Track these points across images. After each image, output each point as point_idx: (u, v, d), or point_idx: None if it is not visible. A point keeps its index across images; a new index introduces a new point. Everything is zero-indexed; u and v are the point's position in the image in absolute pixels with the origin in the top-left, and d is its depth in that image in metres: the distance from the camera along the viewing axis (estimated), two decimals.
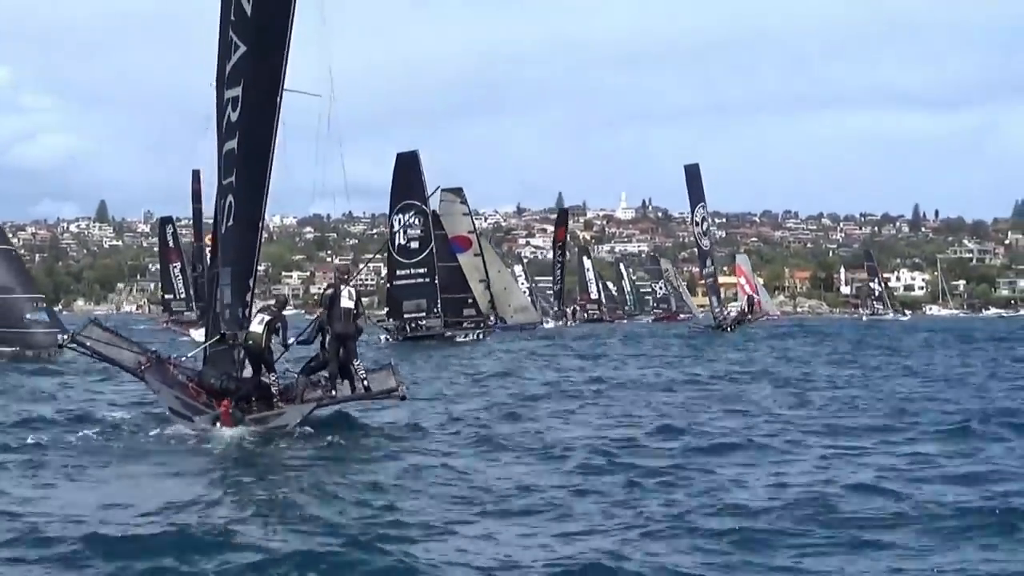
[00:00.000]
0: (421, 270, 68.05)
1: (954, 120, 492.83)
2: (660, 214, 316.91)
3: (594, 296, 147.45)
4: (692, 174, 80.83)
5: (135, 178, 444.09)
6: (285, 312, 23.51)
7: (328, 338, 23.27)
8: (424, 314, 67.72)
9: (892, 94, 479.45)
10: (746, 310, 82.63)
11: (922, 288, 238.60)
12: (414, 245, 68.39)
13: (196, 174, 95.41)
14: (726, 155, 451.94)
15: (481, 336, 68.58)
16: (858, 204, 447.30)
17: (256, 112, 22.36)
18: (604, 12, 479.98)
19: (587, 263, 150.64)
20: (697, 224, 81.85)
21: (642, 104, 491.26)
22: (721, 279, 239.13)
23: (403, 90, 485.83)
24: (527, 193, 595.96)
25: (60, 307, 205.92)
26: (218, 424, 21.77)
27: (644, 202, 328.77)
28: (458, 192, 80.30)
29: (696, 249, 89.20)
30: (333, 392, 23.23)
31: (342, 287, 23.65)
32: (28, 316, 48.81)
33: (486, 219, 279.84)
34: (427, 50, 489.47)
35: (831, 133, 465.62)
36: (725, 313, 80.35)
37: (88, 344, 24.11)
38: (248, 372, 23.02)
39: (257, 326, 22.46)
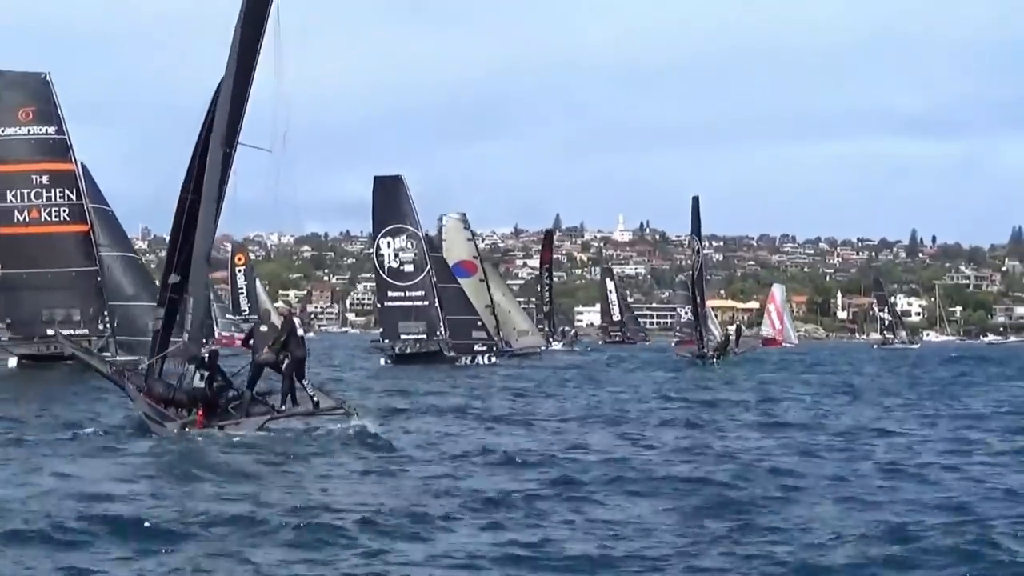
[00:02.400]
0: (418, 293, 67.85)
1: (952, 146, 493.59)
2: (658, 236, 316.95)
3: (616, 318, 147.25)
4: (695, 205, 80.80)
5: (131, 192, 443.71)
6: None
7: (286, 362, 25.58)
8: (425, 336, 67.63)
9: (890, 120, 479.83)
10: (731, 339, 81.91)
11: (919, 314, 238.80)
12: (408, 268, 68.12)
13: None
14: (724, 178, 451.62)
15: (492, 360, 68.26)
16: (856, 229, 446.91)
17: (210, 164, 25.13)
18: (602, 34, 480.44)
19: (610, 285, 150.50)
20: (696, 253, 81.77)
21: (640, 126, 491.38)
22: (742, 304, 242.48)
23: (399, 110, 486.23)
24: (524, 214, 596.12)
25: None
26: (188, 429, 24.27)
27: (642, 224, 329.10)
28: (462, 217, 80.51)
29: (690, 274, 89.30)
30: (283, 407, 25.53)
31: (294, 319, 27.41)
32: (151, 325, 49.36)
33: (483, 240, 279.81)
34: (423, 70, 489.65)
35: (829, 157, 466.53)
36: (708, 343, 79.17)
37: (86, 358, 27.66)
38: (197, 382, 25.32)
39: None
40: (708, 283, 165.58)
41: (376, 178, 70.28)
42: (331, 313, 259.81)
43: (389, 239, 68.77)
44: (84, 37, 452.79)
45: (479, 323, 70.33)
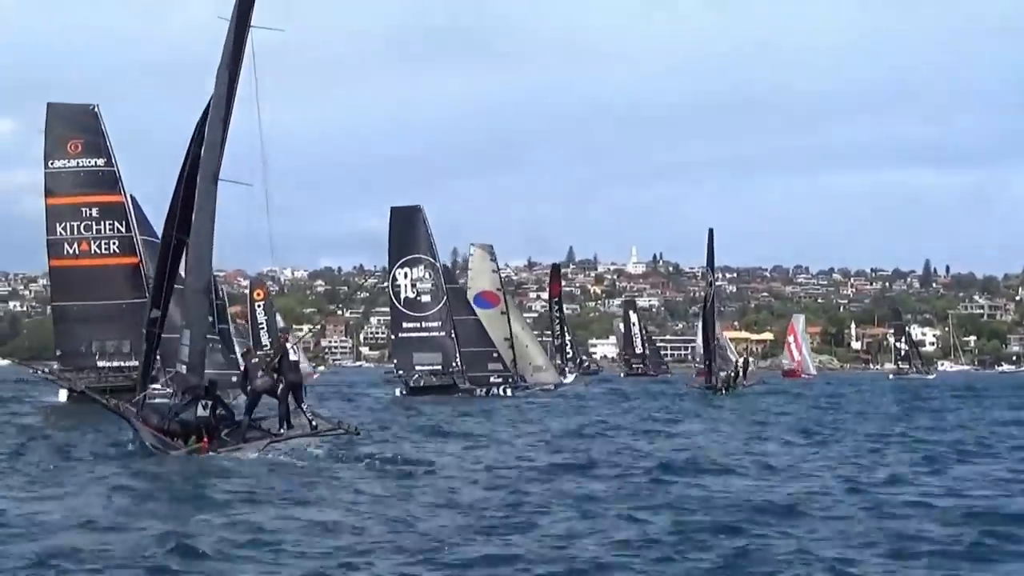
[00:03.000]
0: (434, 324, 67.89)
1: (965, 176, 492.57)
2: (671, 268, 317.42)
3: (639, 351, 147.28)
4: (710, 238, 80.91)
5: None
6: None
7: (281, 386, 26.91)
8: (440, 367, 67.63)
9: (903, 150, 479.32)
10: (740, 372, 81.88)
11: (933, 344, 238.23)
12: (425, 299, 68.20)
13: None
14: (737, 210, 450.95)
15: (508, 392, 68.22)
16: (869, 259, 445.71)
17: (202, 196, 26.28)
18: (613, 68, 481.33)
19: (633, 317, 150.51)
20: (710, 285, 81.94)
21: (653, 159, 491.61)
22: (756, 335, 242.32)
23: (412, 144, 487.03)
24: (537, 247, 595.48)
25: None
26: (194, 455, 25.04)
27: (655, 256, 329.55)
28: (489, 249, 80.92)
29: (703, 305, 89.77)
30: (281, 430, 26.66)
31: (286, 344, 28.42)
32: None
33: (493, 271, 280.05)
34: (435, 104, 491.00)
35: (842, 189, 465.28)
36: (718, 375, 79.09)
37: (93, 395, 28.98)
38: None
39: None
40: (722, 314, 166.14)
41: (393, 209, 70.41)
42: (345, 347, 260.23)
43: (406, 269, 68.84)
44: (91, 86, 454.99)
45: (495, 355, 70.23)
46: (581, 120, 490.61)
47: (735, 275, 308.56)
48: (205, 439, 25.57)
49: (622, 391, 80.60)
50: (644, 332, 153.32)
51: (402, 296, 69.03)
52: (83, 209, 52.20)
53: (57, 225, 52.33)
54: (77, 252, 52.04)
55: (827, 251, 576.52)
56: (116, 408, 28.07)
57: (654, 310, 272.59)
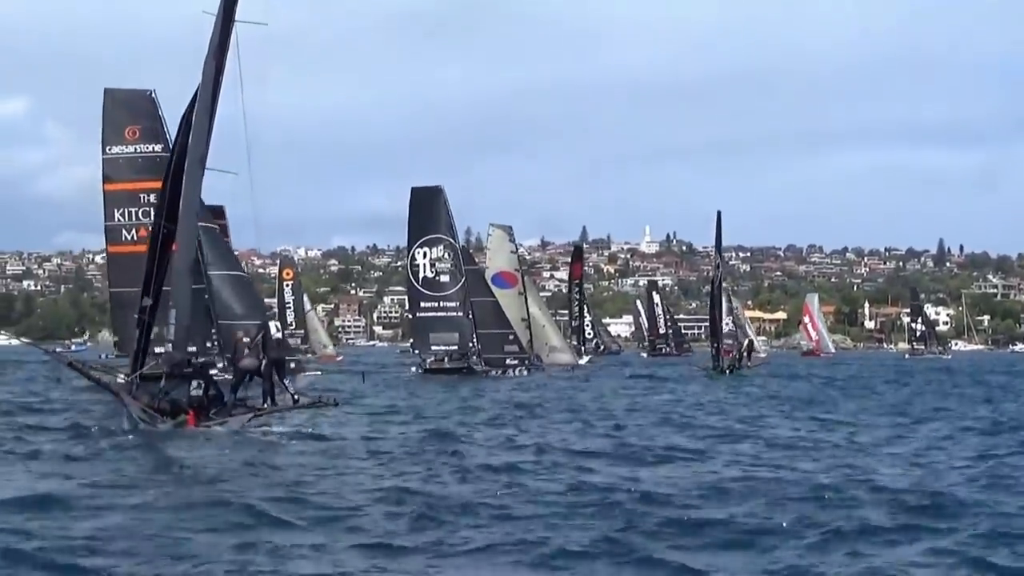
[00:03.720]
0: (452, 304, 67.96)
1: (979, 155, 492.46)
2: (684, 247, 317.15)
3: (662, 331, 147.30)
4: (719, 220, 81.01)
5: None
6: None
7: (264, 364, 28.27)
8: (456, 347, 67.70)
9: (917, 129, 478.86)
10: (744, 353, 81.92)
11: (946, 323, 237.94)
12: (444, 279, 68.23)
13: (220, 209, 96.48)
14: (751, 189, 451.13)
15: (524, 373, 68.38)
16: (883, 239, 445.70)
17: (189, 181, 27.32)
18: (626, 48, 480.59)
19: (656, 298, 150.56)
20: (717, 268, 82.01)
21: (667, 138, 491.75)
22: (770, 314, 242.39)
23: (424, 124, 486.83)
24: (550, 227, 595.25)
25: (86, 338, 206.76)
26: (179, 429, 26.29)
27: (668, 235, 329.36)
28: (507, 229, 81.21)
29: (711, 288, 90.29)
30: (265, 405, 28.03)
31: (271, 324, 31.25)
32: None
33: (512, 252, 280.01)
34: (447, 85, 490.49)
35: (856, 168, 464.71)
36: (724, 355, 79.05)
37: (84, 369, 30.04)
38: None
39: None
40: (736, 294, 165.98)
41: (414, 189, 70.46)
42: (358, 326, 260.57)
43: (425, 249, 68.90)
44: (106, 66, 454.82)
45: (511, 336, 70.41)
46: (595, 100, 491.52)
47: (748, 254, 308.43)
48: (191, 415, 26.68)
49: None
50: (668, 312, 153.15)
51: (420, 276, 69.10)
52: (141, 195, 51.48)
53: (115, 211, 52.04)
54: (135, 238, 51.10)
55: (841, 230, 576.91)
56: (108, 385, 29.15)
57: (668, 289, 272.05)
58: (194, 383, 27.18)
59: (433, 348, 67.92)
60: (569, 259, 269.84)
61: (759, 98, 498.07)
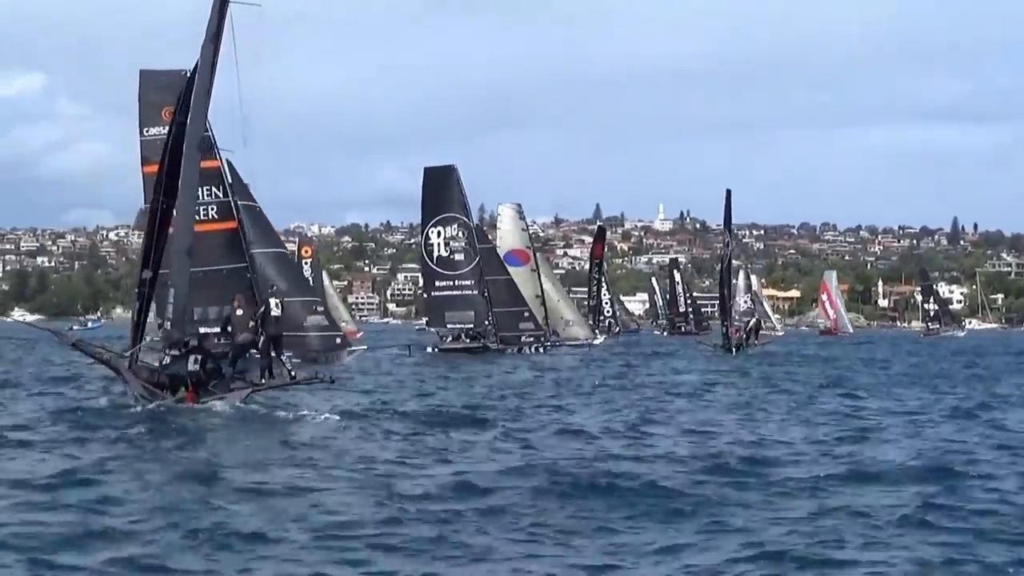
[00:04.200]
0: (467, 282, 68.06)
1: (994, 133, 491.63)
2: (698, 225, 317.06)
3: (682, 309, 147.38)
4: (727, 199, 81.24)
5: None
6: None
7: (262, 339, 29.14)
8: (472, 326, 67.76)
9: (932, 107, 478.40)
10: (752, 330, 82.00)
11: (960, 302, 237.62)
12: (458, 257, 68.30)
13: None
14: (765, 167, 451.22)
15: (540, 350, 68.61)
16: (897, 217, 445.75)
17: (187, 163, 28.44)
18: (641, 27, 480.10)
19: (677, 276, 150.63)
20: (726, 246, 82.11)
21: (681, 116, 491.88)
22: (783, 292, 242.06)
23: (439, 101, 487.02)
24: (564, 204, 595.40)
25: (100, 314, 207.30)
26: (179, 404, 26.69)
27: (682, 213, 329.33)
28: (517, 207, 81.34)
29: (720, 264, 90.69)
30: (263, 380, 28.66)
31: (271, 301, 31.76)
32: (307, 321, 50.62)
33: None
34: (463, 62, 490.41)
35: (870, 145, 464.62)
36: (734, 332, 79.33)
37: (86, 347, 29.82)
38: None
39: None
40: (750, 272, 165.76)
41: (427, 168, 70.52)
42: (372, 304, 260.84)
43: (440, 228, 68.97)
44: (119, 43, 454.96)
45: (526, 314, 70.57)
46: (610, 77, 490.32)
47: (762, 232, 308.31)
48: (190, 390, 27.08)
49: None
50: (688, 291, 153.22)
51: (435, 255, 69.15)
52: None
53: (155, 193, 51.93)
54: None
55: (855, 208, 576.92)
56: (108, 361, 29.16)
57: (681, 267, 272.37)
58: (191, 357, 27.67)
59: (448, 327, 68.06)
60: (583, 237, 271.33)
61: (774, 76, 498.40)
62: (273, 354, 29.74)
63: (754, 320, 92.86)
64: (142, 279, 29.37)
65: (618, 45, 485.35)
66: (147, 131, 51.61)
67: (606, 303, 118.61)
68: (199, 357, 27.69)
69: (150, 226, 29.30)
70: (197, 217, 50.58)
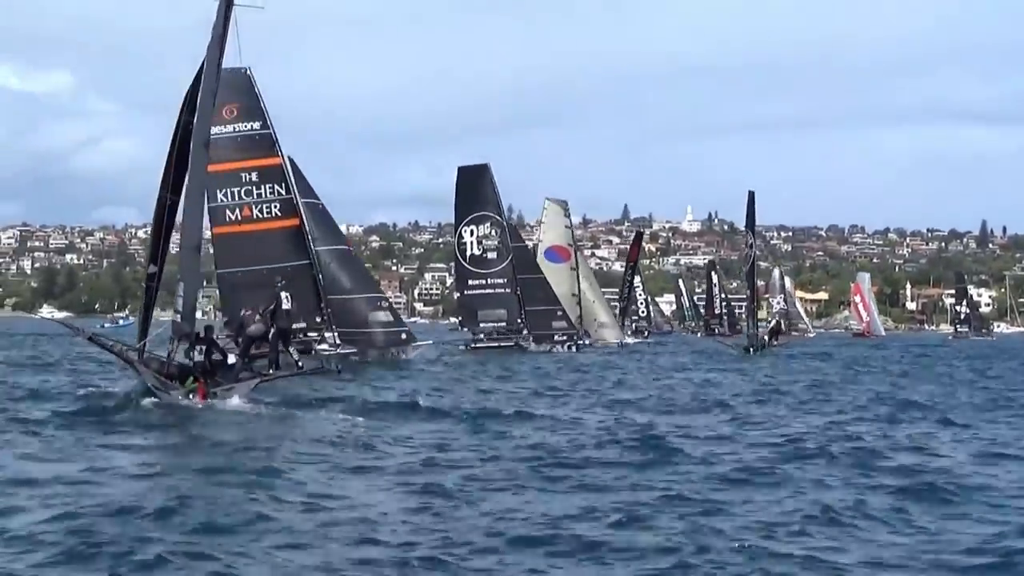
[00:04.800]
0: (499, 280, 68.19)
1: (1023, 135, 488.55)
2: (726, 227, 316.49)
3: (717, 311, 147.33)
4: (750, 200, 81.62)
5: None
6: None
7: (272, 331, 30.83)
8: (505, 324, 67.82)
9: (961, 110, 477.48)
10: (773, 332, 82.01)
11: (988, 305, 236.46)
12: (491, 256, 68.42)
13: None
14: (793, 169, 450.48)
15: (572, 349, 68.68)
16: (925, 220, 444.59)
17: (194, 162, 28.56)
18: (672, 27, 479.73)
19: (714, 278, 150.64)
20: (747, 247, 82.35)
21: (709, 118, 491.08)
22: (811, 294, 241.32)
23: (466, 101, 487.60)
24: (592, 205, 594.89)
25: (127, 311, 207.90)
26: (192, 396, 27.38)
27: (710, 215, 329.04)
28: (563, 204, 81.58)
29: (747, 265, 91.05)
30: (271, 371, 30.20)
31: (282, 295, 33.20)
32: (371, 317, 51.50)
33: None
34: (490, 64, 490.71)
35: (899, 148, 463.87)
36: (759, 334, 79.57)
37: (101, 341, 30.66)
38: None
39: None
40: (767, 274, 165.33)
41: (460, 168, 70.67)
42: (399, 303, 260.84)
43: (473, 227, 69.10)
44: (147, 41, 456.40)
45: (559, 312, 70.70)
46: (639, 78, 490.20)
47: (790, 234, 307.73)
48: (201, 381, 27.68)
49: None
50: (724, 293, 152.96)
51: (468, 253, 69.27)
52: (243, 174, 51.16)
53: (218, 192, 50.85)
54: (239, 218, 50.92)
55: (883, 211, 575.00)
56: (120, 353, 29.68)
57: (718, 269, 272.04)
58: (197, 348, 28.19)
59: (481, 325, 68.11)
60: (611, 238, 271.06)
61: (803, 78, 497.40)
62: (281, 347, 31.49)
63: (775, 322, 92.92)
64: (149, 274, 30.07)
65: (647, 44, 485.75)
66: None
67: (641, 304, 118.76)
68: (204, 348, 28.30)
69: (156, 222, 29.88)
70: (260, 215, 51.05)
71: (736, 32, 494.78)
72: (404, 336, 53.12)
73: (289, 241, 50.81)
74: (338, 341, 49.54)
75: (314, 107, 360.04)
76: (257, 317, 30.53)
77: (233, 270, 50.33)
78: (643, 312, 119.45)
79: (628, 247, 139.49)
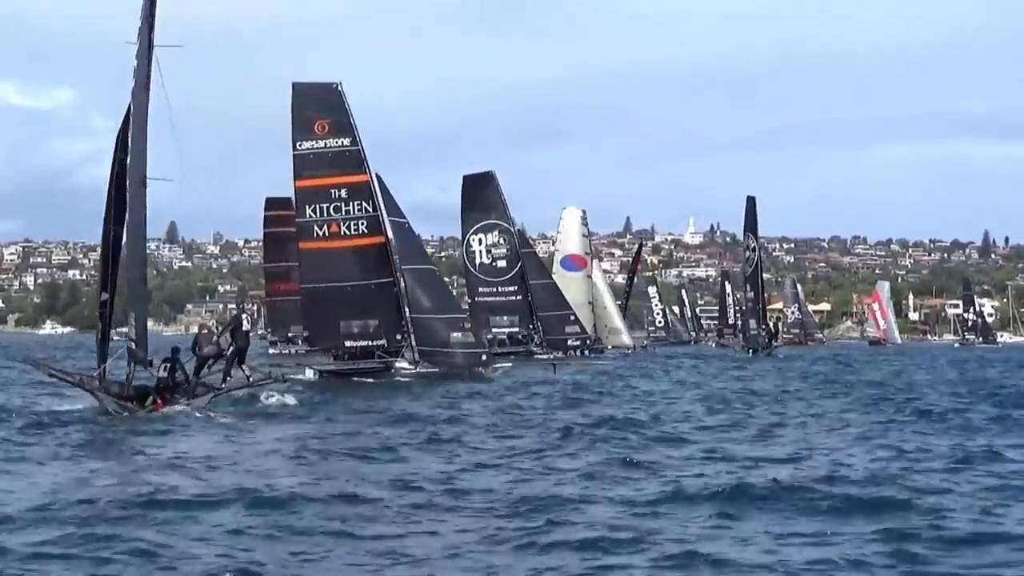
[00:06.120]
0: (511, 288, 68.39)
1: None
2: (728, 239, 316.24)
3: (731, 321, 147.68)
4: (749, 205, 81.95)
5: (204, 200, 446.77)
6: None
7: (231, 349, 33.20)
8: (517, 329, 67.96)
9: (963, 120, 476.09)
10: (772, 334, 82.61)
11: (991, 315, 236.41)
12: (501, 264, 68.58)
13: (289, 201, 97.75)
14: (795, 181, 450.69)
15: (587, 352, 68.83)
16: (927, 230, 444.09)
17: (133, 199, 30.73)
18: (671, 40, 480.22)
19: (728, 288, 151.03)
20: (749, 250, 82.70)
21: (711, 130, 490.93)
22: (814, 305, 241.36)
23: (468, 115, 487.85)
24: (594, 216, 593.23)
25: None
26: (150, 413, 29.07)
27: (712, 227, 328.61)
28: (583, 213, 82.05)
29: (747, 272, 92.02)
30: (222, 385, 32.10)
31: (242, 316, 36.24)
32: (452, 337, 51.38)
33: (554, 242, 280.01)
34: (492, 76, 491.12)
35: (901, 159, 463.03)
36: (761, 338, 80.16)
37: (60, 374, 32.65)
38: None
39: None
40: (779, 284, 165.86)
41: (465, 176, 70.75)
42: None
43: (480, 236, 69.19)
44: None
45: (572, 317, 70.76)
46: (640, 90, 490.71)
47: (792, 245, 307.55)
48: (158, 401, 29.70)
49: None
50: (737, 304, 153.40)
51: (477, 262, 69.45)
52: (332, 190, 51.12)
53: (307, 208, 51.35)
54: (327, 234, 50.99)
55: (885, 222, 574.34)
56: (80, 383, 31.06)
57: (711, 280, 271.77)
58: (162, 365, 30.36)
59: (494, 330, 68.13)
60: (613, 250, 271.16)
61: (804, 89, 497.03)
62: (236, 362, 33.74)
63: (771, 324, 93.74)
64: (102, 301, 31.74)
65: (649, 57, 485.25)
66: (300, 144, 51.16)
67: (658, 314, 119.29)
68: (167, 365, 30.40)
69: (104, 252, 31.93)
70: (347, 232, 51.21)
71: (737, 45, 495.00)
72: (484, 357, 53.29)
73: (374, 258, 50.83)
74: (418, 359, 49.87)
75: None
76: (215, 339, 32.67)
77: (317, 286, 50.56)
78: (659, 322, 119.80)
79: (630, 259, 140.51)
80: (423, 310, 51.32)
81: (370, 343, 49.80)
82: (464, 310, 58.01)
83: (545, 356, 66.25)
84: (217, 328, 35.15)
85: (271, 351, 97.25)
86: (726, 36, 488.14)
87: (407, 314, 50.21)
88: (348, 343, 49.71)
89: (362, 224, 50.70)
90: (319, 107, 51.27)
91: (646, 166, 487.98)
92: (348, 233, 50.76)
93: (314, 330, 51.25)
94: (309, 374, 49.38)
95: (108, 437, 24.91)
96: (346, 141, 51.49)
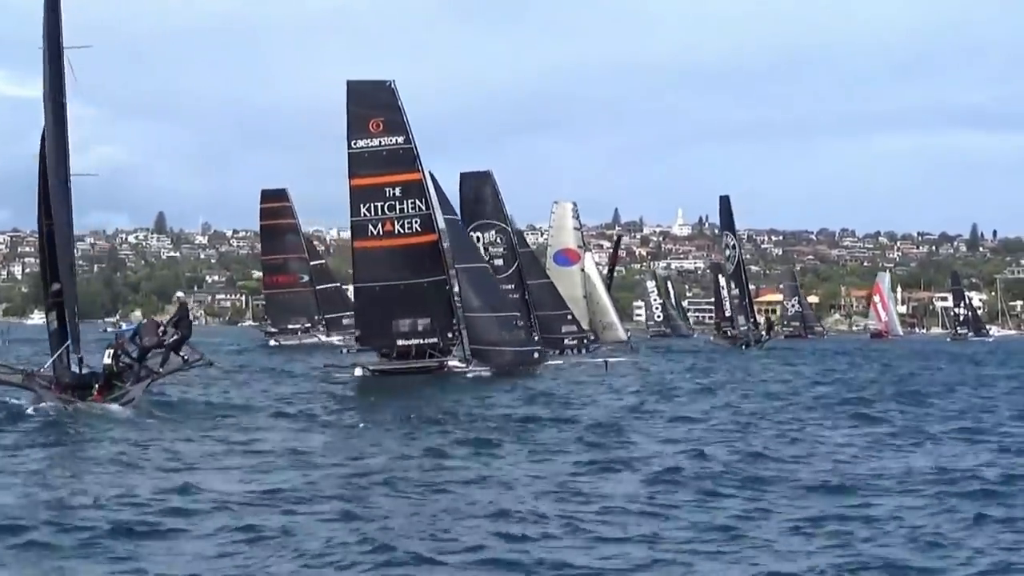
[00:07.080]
0: (508, 286, 68.16)
1: (1014, 139, 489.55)
2: (716, 231, 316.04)
3: (727, 314, 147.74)
4: (724, 204, 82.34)
5: (191, 189, 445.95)
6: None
7: (176, 338, 33.02)
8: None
9: (951, 112, 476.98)
10: (768, 327, 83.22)
11: (979, 308, 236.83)
12: (499, 262, 68.23)
13: (283, 192, 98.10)
14: (783, 173, 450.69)
15: (583, 351, 68.88)
16: (915, 223, 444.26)
17: (57, 196, 31.68)
18: (661, 32, 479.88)
19: (722, 281, 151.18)
20: (729, 248, 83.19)
21: (699, 122, 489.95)
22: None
23: (458, 109, 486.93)
24: (583, 208, 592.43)
25: (118, 318, 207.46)
26: (91, 402, 30.40)
27: (701, 219, 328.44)
28: (573, 207, 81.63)
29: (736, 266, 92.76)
30: (161, 369, 32.43)
31: (187, 306, 36.89)
32: (504, 335, 52.02)
33: (543, 234, 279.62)
34: (482, 70, 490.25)
35: (889, 151, 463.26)
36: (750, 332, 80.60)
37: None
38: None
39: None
40: (768, 277, 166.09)
41: (463, 174, 70.33)
42: None
43: (478, 234, 68.82)
44: (146, 35, 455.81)
45: (569, 317, 70.60)
46: (630, 82, 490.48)
47: (781, 238, 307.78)
48: (97, 391, 30.83)
49: None
50: (733, 297, 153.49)
51: None
52: (387, 189, 51.27)
53: (361, 206, 51.34)
54: (381, 232, 51.15)
55: (873, 214, 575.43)
56: (22, 384, 31.73)
57: (699, 272, 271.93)
58: (106, 352, 31.45)
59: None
60: (601, 242, 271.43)
61: (793, 81, 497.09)
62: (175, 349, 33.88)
63: (764, 320, 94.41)
64: (54, 291, 32.07)
65: (636, 49, 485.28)
66: (355, 143, 50.95)
67: (657, 308, 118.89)
68: (112, 352, 31.34)
69: (41, 244, 33.02)
70: (401, 230, 51.24)
71: (727, 36, 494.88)
72: (536, 356, 53.31)
73: (427, 257, 50.85)
74: (469, 357, 50.19)
75: (309, 109, 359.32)
76: (160, 329, 32.90)
77: (371, 284, 50.71)
78: (659, 316, 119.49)
79: (622, 251, 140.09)
80: (475, 308, 51.43)
81: (422, 341, 49.96)
82: (516, 308, 57.94)
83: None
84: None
85: (271, 343, 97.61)
86: (717, 29, 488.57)
87: (459, 312, 50.31)
88: (400, 342, 49.74)
89: (415, 222, 50.76)
90: (373, 105, 51.29)
91: (635, 157, 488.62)
92: (402, 231, 50.77)
93: (366, 329, 51.30)
94: (359, 372, 49.46)
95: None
96: (400, 139, 51.61)
